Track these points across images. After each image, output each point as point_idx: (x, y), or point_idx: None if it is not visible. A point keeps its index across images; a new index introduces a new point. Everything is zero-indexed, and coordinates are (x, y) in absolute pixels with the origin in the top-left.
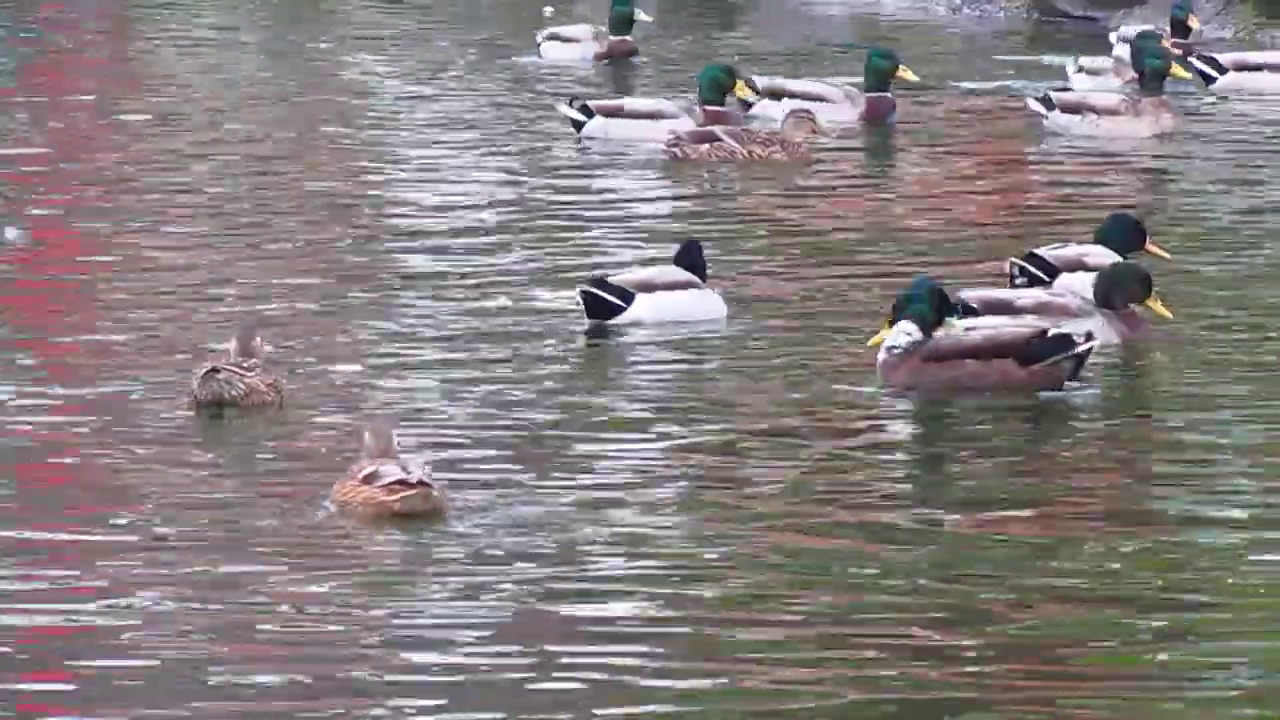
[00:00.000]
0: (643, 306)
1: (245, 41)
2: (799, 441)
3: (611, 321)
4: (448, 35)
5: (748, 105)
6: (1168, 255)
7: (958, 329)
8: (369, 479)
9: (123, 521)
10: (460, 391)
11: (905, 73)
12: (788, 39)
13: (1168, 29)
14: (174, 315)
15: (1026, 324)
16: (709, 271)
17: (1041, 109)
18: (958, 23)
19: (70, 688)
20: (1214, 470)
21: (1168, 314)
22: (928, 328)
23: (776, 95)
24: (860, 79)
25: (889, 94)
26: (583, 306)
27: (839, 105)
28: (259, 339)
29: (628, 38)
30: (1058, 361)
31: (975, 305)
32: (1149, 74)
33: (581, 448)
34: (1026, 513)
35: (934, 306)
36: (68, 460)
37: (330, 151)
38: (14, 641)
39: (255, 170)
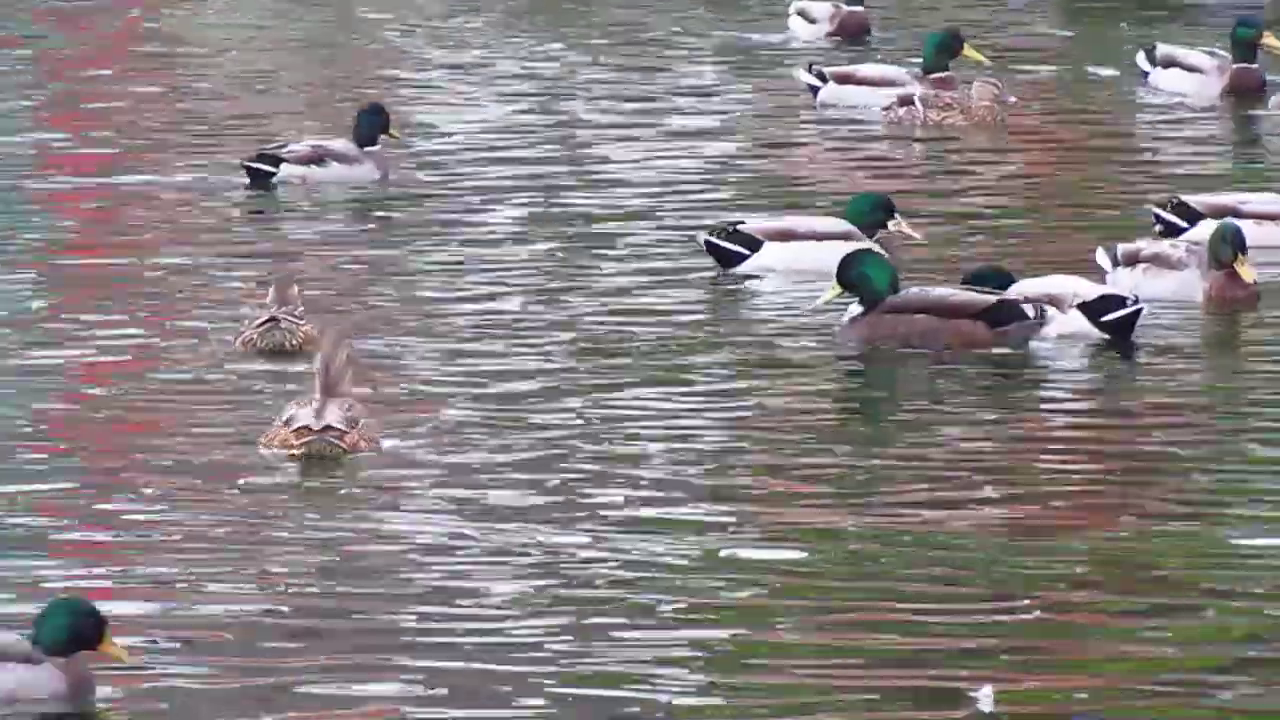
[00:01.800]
0: (770, 254)
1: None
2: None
3: (738, 269)
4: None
5: (1145, 74)
6: None
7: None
8: (288, 423)
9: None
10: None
11: (1271, 38)
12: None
13: None
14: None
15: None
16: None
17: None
18: None
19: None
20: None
21: (1250, 276)
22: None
23: (1167, 64)
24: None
25: (1256, 66)
26: (711, 256)
27: (1209, 77)
28: (295, 288)
29: (858, 8)
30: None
31: (1119, 256)
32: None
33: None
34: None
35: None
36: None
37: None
38: None
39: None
